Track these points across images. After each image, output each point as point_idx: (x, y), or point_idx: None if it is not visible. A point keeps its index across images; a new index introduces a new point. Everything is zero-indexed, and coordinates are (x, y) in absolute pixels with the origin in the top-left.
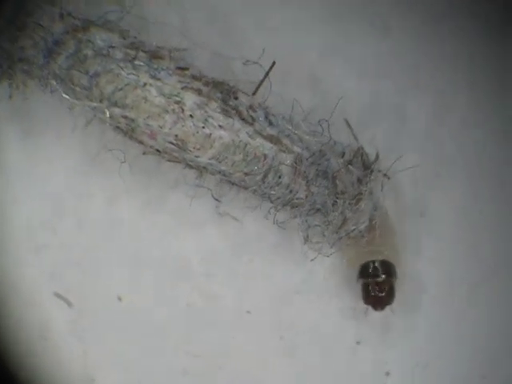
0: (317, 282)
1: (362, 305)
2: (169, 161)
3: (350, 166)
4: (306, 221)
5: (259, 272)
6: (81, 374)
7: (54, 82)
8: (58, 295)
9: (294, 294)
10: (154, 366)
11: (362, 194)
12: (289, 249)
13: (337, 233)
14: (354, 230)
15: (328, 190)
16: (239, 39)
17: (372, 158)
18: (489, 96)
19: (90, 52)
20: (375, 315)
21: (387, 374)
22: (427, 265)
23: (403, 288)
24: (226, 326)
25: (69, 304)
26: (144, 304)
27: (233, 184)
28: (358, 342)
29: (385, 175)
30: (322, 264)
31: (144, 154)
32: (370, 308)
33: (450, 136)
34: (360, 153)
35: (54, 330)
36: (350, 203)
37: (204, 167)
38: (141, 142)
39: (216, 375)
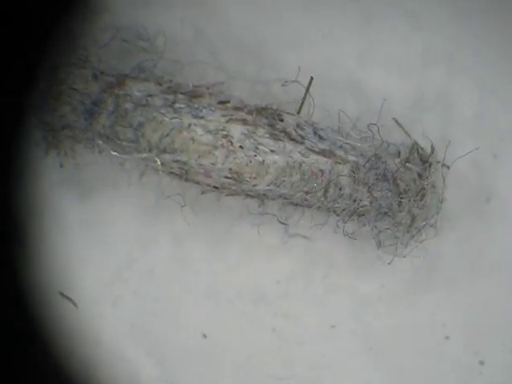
0: (397, 284)
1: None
2: (228, 195)
3: (407, 163)
4: (376, 226)
5: (337, 285)
6: None
7: (101, 142)
8: (62, 295)
9: (376, 301)
10: None
11: (424, 188)
12: (363, 258)
13: (408, 232)
14: (425, 225)
15: (391, 192)
16: (273, 61)
17: (428, 151)
18: None
19: (129, 105)
20: (461, 307)
21: (481, 362)
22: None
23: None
24: (313, 343)
25: (74, 304)
26: (230, 336)
27: (296, 205)
28: (447, 337)
29: (444, 165)
30: (399, 266)
31: (203, 193)
32: None
33: (499, 116)
34: (415, 148)
35: (143, 380)
36: (415, 200)
37: (264, 194)
38: (197, 183)
39: None
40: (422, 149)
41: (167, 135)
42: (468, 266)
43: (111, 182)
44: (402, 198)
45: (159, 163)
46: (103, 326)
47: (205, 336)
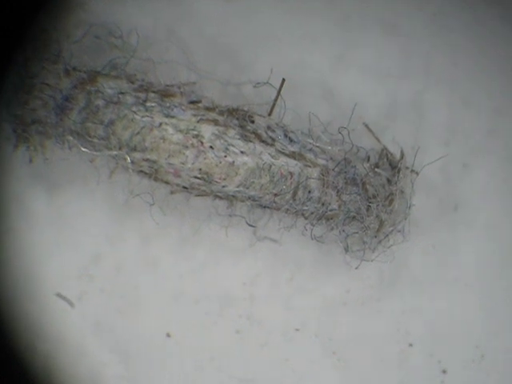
0: (362, 290)
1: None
2: (197, 195)
3: (376, 168)
4: (344, 230)
5: (303, 289)
6: None
7: (71, 138)
8: (59, 295)
9: (341, 305)
10: None
11: (393, 194)
12: (330, 262)
13: (376, 237)
14: (393, 230)
15: (360, 196)
16: (245, 63)
17: (397, 157)
18: (508, 84)
19: (100, 102)
20: (425, 315)
21: (444, 371)
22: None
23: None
24: (277, 346)
25: (71, 304)
26: (194, 337)
27: (264, 207)
28: (410, 345)
29: (412, 171)
30: (365, 272)
31: (172, 193)
32: None
33: (473, 125)
34: (384, 153)
35: (106, 377)
36: (383, 205)
37: (233, 196)
38: (167, 182)
39: None
40: (391, 154)
41: (138, 133)
42: (433, 274)
43: (80, 179)
44: (370, 203)
45: (129, 161)
46: (67, 322)
47: (168, 335)
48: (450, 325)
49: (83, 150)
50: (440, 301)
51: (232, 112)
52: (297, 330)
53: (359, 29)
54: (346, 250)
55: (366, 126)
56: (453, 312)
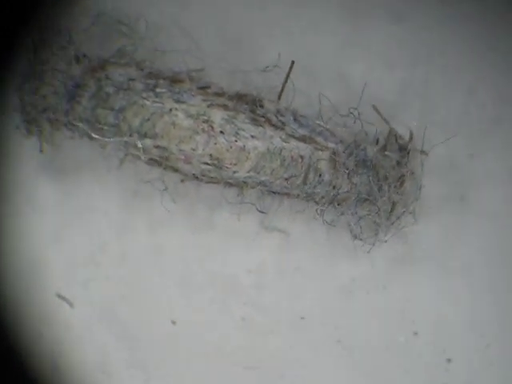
0: (369, 278)
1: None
2: (207, 183)
3: (386, 150)
4: (356, 213)
5: (310, 276)
6: None
7: (81, 125)
8: (59, 296)
9: (348, 293)
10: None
11: (404, 175)
12: (337, 250)
13: (388, 219)
14: (404, 212)
15: (370, 179)
16: (253, 49)
17: (406, 138)
18: None
19: (111, 89)
20: (431, 303)
21: (448, 360)
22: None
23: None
24: (282, 334)
25: (70, 305)
26: (199, 323)
27: (275, 193)
28: (415, 333)
29: (422, 152)
30: (373, 260)
31: (182, 181)
32: None
33: (479, 113)
34: (393, 135)
35: (113, 364)
36: (394, 187)
37: (244, 182)
38: (177, 170)
39: None
40: (400, 136)
41: (148, 119)
42: (441, 262)
43: (90, 167)
44: (381, 185)
45: (140, 146)
46: (73, 309)
47: (174, 322)
48: (456, 313)
49: (94, 136)
50: (446, 289)
51: (241, 97)
52: (302, 318)
53: (367, 14)
54: (356, 235)
55: (375, 108)
56: (458, 300)
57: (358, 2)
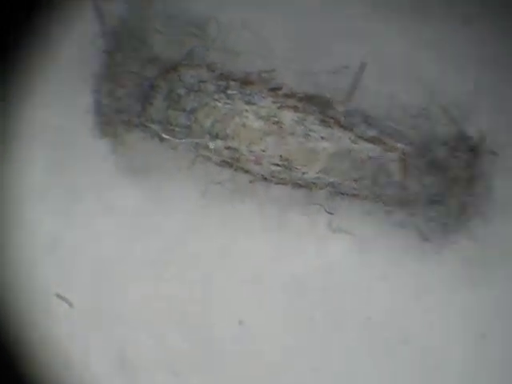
0: (435, 279)
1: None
2: (277, 184)
3: (456, 151)
4: (426, 214)
5: (377, 277)
6: None
7: (153, 126)
8: (59, 296)
9: (413, 296)
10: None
11: (474, 177)
12: (409, 248)
13: (458, 220)
14: (475, 213)
15: (440, 180)
16: (324, 49)
17: (476, 139)
18: None
19: (182, 90)
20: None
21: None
22: None
23: None
24: (348, 334)
25: (70, 305)
26: (266, 324)
27: (343, 194)
28: (483, 335)
29: (492, 153)
30: (440, 262)
31: (251, 182)
32: None
33: None
34: (462, 136)
35: (183, 363)
36: (465, 188)
37: (313, 183)
38: (247, 171)
39: None
40: (470, 137)
41: (219, 121)
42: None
43: (162, 168)
44: (451, 186)
45: (212, 147)
46: (141, 302)
47: (241, 322)
48: None
49: (165, 137)
50: None
51: (311, 98)
52: (368, 318)
53: (438, 15)
54: (426, 237)
55: (445, 108)
56: None
57: (429, 4)
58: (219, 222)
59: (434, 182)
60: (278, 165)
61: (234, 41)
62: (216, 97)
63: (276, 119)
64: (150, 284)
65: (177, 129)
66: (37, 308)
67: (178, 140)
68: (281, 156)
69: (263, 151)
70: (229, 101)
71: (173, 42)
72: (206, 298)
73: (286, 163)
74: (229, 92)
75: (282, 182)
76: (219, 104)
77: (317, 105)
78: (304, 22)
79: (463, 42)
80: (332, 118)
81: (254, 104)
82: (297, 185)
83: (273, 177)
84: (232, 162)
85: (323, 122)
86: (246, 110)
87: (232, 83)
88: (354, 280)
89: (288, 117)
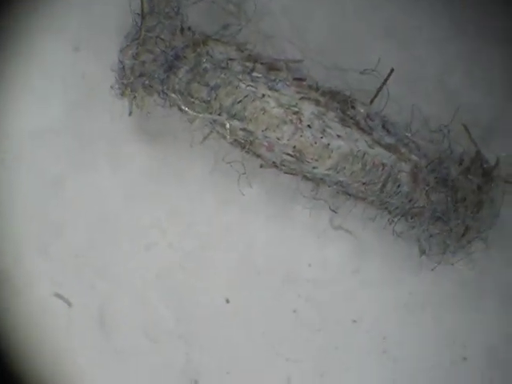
0: (425, 295)
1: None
2: (286, 173)
3: (469, 173)
4: (428, 229)
5: (366, 282)
6: (183, 377)
7: (174, 96)
8: (58, 295)
9: (402, 307)
10: (256, 370)
11: (482, 201)
12: (401, 261)
13: (459, 241)
14: (476, 237)
15: (448, 198)
16: (357, 48)
17: (492, 164)
18: None
19: (209, 65)
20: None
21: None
22: None
23: None
24: (330, 333)
25: (69, 304)
26: (251, 307)
27: (350, 195)
28: (464, 358)
29: (506, 181)
30: (433, 278)
31: (261, 166)
32: None
33: None
34: (478, 158)
35: (161, 330)
36: (471, 211)
37: (321, 178)
38: (258, 156)
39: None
40: (486, 161)
41: (240, 101)
42: (505, 292)
43: (174, 138)
44: (458, 207)
45: (228, 126)
46: (131, 268)
47: (228, 301)
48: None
49: (185, 109)
50: (502, 319)
51: (334, 95)
52: (354, 321)
53: (476, 34)
54: (423, 251)
55: (466, 127)
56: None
57: (467, 19)
58: (223, 201)
59: (441, 199)
60: (290, 155)
61: (270, 25)
62: (240, 77)
63: (296, 109)
64: (143, 247)
65: (197, 102)
66: None
67: (195, 113)
68: (294, 147)
69: (278, 139)
70: (252, 83)
71: (207, 16)
72: (197, 271)
73: (298, 154)
74: (254, 74)
75: (291, 172)
76: (242, 85)
77: (339, 102)
78: (344, 19)
79: (498, 64)
80: (352, 118)
81: (276, 90)
82: (305, 177)
83: (283, 165)
84: (245, 144)
85: (342, 121)
86: (268, 96)
87: (259, 66)
88: (345, 280)
89: (308, 109)
